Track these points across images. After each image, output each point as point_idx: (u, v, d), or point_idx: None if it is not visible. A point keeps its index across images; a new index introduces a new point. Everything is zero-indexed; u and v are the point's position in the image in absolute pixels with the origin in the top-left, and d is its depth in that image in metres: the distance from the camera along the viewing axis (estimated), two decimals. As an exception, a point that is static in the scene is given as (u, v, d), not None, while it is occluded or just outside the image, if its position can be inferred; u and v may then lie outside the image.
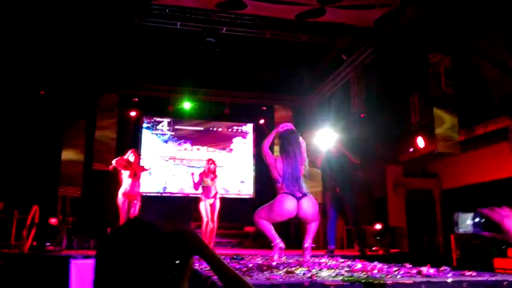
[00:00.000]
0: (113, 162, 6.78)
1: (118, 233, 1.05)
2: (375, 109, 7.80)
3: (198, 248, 1.18)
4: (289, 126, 4.81)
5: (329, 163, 6.73)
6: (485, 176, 7.74)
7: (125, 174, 6.69)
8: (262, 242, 7.57)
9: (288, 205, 4.17)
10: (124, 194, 6.62)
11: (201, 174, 7.05)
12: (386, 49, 7.33)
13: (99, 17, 7.01)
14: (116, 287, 0.97)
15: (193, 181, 6.98)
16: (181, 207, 8.97)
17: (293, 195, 4.18)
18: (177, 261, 1.12)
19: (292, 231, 9.49)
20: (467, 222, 1.18)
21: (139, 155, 7.44)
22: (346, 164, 6.61)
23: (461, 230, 1.18)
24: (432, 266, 3.22)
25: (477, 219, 1.17)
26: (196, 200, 7.07)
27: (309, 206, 4.21)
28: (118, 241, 1.02)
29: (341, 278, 2.63)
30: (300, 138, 4.56)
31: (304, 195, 4.22)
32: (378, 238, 7.10)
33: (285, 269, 3.20)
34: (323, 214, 7.27)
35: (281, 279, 2.53)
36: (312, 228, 4.37)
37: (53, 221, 6.13)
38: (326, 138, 6.81)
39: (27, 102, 7.25)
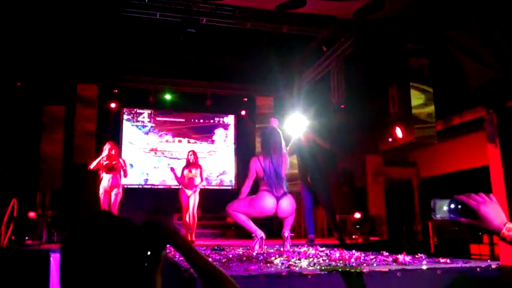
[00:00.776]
0: (91, 166, 6.63)
1: (82, 226, 1.05)
2: (355, 99, 7.86)
3: (171, 238, 1.18)
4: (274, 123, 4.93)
5: (299, 152, 6.73)
6: (462, 165, 7.92)
7: (103, 168, 6.60)
8: (244, 232, 7.60)
9: (267, 204, 4.28)
10: (104, 188, 6.56)
11: (183, 168, 7.03)
12: (365, 40, 7.38)
13: (77, 7, 6.88)
14: (83, 282, 0.96)
15: (175, 176, 6.95)
16: (163, 199, 8.94)
17: (273, 194, 4.28)
18: (148, 253, 1.12)
19: (274, 220, 9.56)
20: (444, 208, 1.20)
21: (118, 147, 7.34)
22: (317, 153, 6.65)
23: (438, 216, 1.21)
24: (410, 254, 3.29)
25: (453, 206, 1.19)
26: (178, 192, 7.05)
27: (287, 206, 4.36)
28: (83, 235, 1.02)
29: (318, 267, 2.67)
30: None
31: (284, 194, 4.34)
32: (357, 227, 7.22)
33: (264, 259, 3.24)
34: (299, 203, 7.32)
35: (259, 270, 2.55)
36: (289, 220, 4.51)
37: (31, 214, 6.03)
38: (296, 125, 6.77)
39: (4, 93, 7.10)
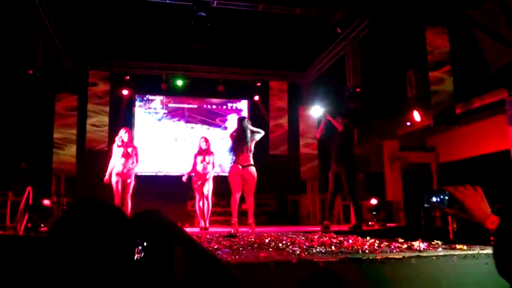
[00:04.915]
0: (106, 176, 6.54)
1: (68, 217, 0.98)
2: (371, 83, 7.70)
3: (166, 228, 1.12)
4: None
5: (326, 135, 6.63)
6: (482, 149, 7.69)
7: (117, 154, 6.54)
8: (259, 219, 7.57)
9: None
10: (117, 174, 6.50)
11: (195, 155, 6.96)
12: (381, 22, 7.18)
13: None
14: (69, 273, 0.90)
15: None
16: (176, 186, 8.93)
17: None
18: (144, 244, 1.06)
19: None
20: (432, 199, 1.29)
21: (131, 133, 7.29)
22: (335, 135, 6.45)
23: (426, 205, 1.31)
24: (427, 240, 3.19)
25: (442, 197, 1.27)
26: (191, 179, 7.00)
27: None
28: (69, 226, 0.95)
29: (330, 254, 2.60)
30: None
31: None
32: (374, 213, 7.09)
33: (275, 246, 3.18)
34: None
35: (269, 257, 2.49)
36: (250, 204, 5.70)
37: (46, 202, 6.07)
38: (317, 114, 6.80)
39: (16, 82, 7.13)
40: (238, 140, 5.64)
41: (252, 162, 5.63)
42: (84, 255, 0.90)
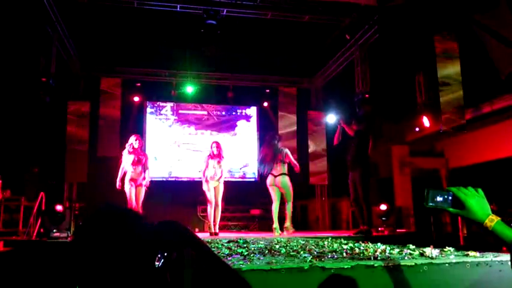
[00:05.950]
0: (118, 183, 6.58)
1: (90, 223, 1.00)
2: (380, 89, 7.69)
3: (188, 238, 1.14)
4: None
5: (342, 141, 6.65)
6: (492, 155, 7.65)
7: (127, 160, 6.57)
8: (268, 224, 7.59)
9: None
10: (130, 181, 6.53)
11: (207, 159, 6.95)
12: (390, 27, 7.19)
13: (100, 2, 6.95)
14: (92, 278, 0.92)
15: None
16: (187, 191, 8.98)
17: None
18: (165, 254, 1.08)
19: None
20: (436, 198, 1.32)
21: (142, 140, 7.33)
22: (350, 141, 6.46)
23: (430, 204, 1.32)
24: (438, 246, 3.18)
25: (446, 196, 1.31)
26: (201, 184, 7.02)
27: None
28: (92, 231, 0.97)
29: (341, 261, 2.60)
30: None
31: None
32: (384, 219, 7.05)
33: (286, 253, 3.19)
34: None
35: (281, 263, 2.50)
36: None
37: (58, 208, 6.13)
38: (332, 121, 6.91)
39: (29, 89, 7.23)
40: (269, 154, 6.31)
41: (284, 171, 6.27)
42: (107, 263, 0.92)
